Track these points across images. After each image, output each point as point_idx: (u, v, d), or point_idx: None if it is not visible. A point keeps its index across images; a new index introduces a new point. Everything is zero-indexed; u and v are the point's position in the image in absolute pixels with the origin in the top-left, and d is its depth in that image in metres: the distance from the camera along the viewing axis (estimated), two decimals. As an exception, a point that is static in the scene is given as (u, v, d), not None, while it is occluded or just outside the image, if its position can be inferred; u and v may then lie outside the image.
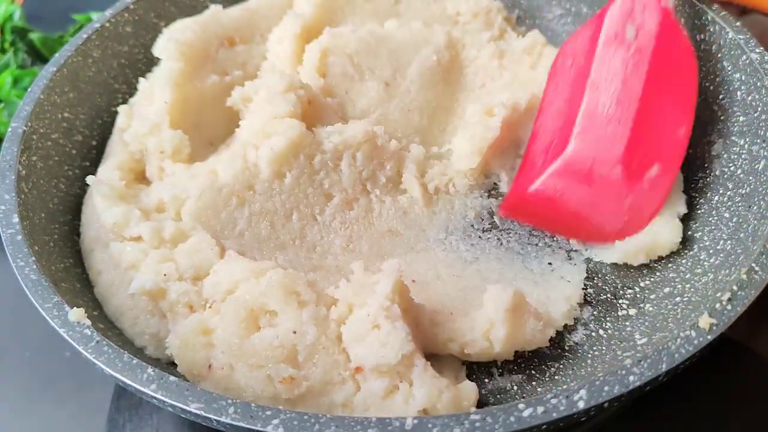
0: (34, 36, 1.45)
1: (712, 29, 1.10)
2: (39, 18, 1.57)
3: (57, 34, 1.48)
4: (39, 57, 1.46)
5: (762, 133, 0.98)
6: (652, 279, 0.99)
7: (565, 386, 0.85)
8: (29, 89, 1.06)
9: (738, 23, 1.07)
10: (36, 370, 1.05)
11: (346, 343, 0.82)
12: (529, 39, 1.27)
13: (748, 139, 1.01)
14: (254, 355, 0.81)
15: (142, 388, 0.72)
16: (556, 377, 0.88)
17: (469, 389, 0.83)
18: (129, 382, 0.73)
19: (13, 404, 1.02)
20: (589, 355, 0.91)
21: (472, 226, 1.09)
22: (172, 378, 0.72)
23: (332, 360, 0.81)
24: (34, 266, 0.84)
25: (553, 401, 0.68)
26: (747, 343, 1.02)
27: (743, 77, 1.04)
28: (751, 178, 0.97)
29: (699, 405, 0.96)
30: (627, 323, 0.94)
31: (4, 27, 1.47)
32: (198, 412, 0.69)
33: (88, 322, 0.79)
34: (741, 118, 1.03)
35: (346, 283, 0.87)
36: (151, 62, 1.25)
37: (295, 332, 0.81)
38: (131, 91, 1.22)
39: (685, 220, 1.04)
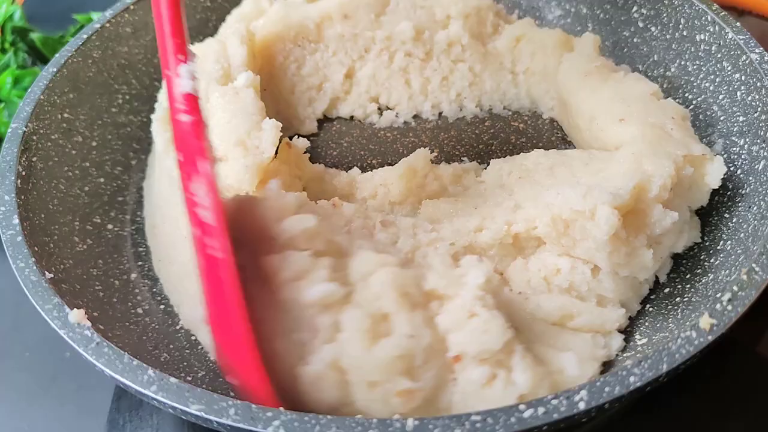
0: (35, 36, 1.45)
1: (712, 29, 1.10)
2: (39, 18, 1.57)
3: (58, 34, 1.48)
4: (39, 57, 1.46)
5: (762, 133, 0.98)
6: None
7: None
8: (29, 90, 1.06)
9: (738, 23, 1.07)
10: (36, 371, 1.05)
11: (443, 333, 0.79)
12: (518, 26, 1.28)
13: (748, 140, 1.01)
14: (375, 370, 0.75)
15: (142, 390, 0.72)
16: (556, 378, 0.88)
17: (572, 377, 0.81)
18: (129, 383, 0.73)
19: (13, 405, 1.02)
20: (590, 356, 0.91)
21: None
22: (172, 379, 0.72)
23: (442, 361, 0.78)
24: (34, 267, 0.84)
25: (554, 402, 0.68)
26: (747, 343, 1.02)
27: (743, 77, 1.04)
28: (750, 178, 0.97)
29: (699, 405, 0.96)
30: (627, 323, 0.94)
31: (5, 27, 1.46)
32: (199, 413, 0.69)
33: (89, 324, 0.79)
34: (741, 119, 1.03)
35: (434, 275, 0.84)
36: (151, 63, 1.25)
37: (412, 336, 0.76)
38: (131, 91, 1.22)
39: (685, 220, 1.04)
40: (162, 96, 1.18)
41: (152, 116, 1.11)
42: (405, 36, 1.24)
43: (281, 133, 1.04)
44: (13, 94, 1.34)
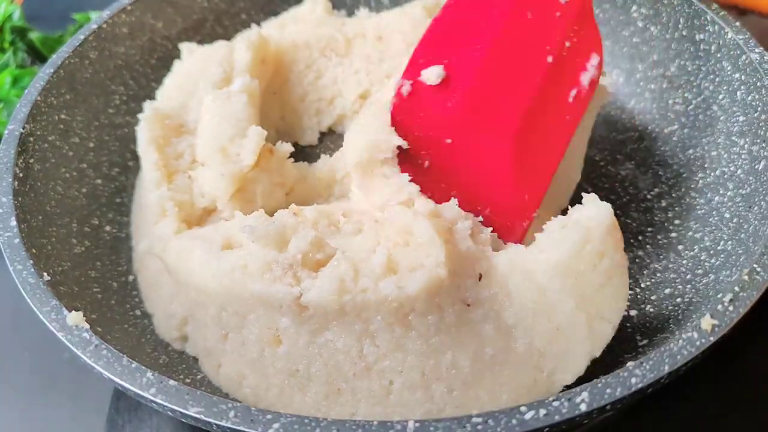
0: (34, 35, 1.45)
1: (711, 29, 1.10)
2: (39, 17, 1.57)
3: (57, 34, 1.48)
4: (38, 56, 1.46)
5: (762, 133, 0.98)
6: (653, 280, 0.99)
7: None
8: (26, 91, 1.05)
9: (737, 23, 1.07)
10: (35, 371, 1.05)
11: None
12: None
13: (748, 139, 1.00)
14: None
15: (141, 392, 0.72)
16: (557, 379, 0.88)
17: None
18: (128, 386, 0.72)
19: (12, 405, 1.01)
20: (590, 357, 0.91)
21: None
22: (171, 382, 0.72)
23: None
24: (32, 269, 0.84)
25: (555, 404, 0.68)
26: (747, 344, 1.01)
27: (743, 77, 1.04)
28: (751, 178, 0.97)
29: (699, 405, 0.95)
30: (627, 324, 0.93)
31: (4, 26, 1.46)
32: (198, 416, 0.69)
33: (87, 326, 0.78)
34: (741, 118, 1.03)
35: None
36: (148, 63, 1.25)
37: None
38: (128, 92, 1.21)
39: (686, 220, 1.04)
40: (159, 93, 1.17)
41: (139, 115, 1.10)
42: None
43: (277, 140, 1.04)
44: (12, 93, 1.33)
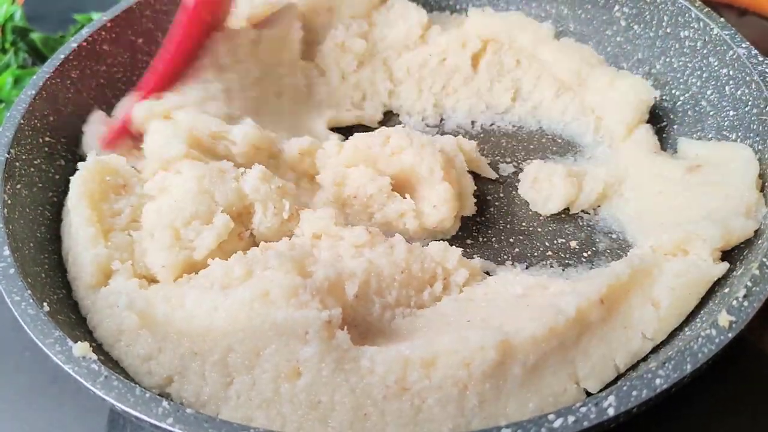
0: (35, 36, 1.44)
1: (696, 26, 1.11)
2: (40, 18, 1.57)
3: (58, 34, 1.47)
4: (40, 57, 1.44)
5: (754, 127, 0.99)
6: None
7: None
8: (8, 114, 1.02)
9: (722, 19, 1.08)
10: (36, 371, 1.04)
11: None
12: None
13: (740, 134, 1.02)
14: None
15: (158, 423, 0.69)
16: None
17: None
18: (144, 417, 0.70)
19: (13, 404, 1.01)
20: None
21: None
22: (188, 410, 0.69)
23: None
24: (31, 300, 0.81)
25: (583, 410, 0.68)
26: (754, 342, 1.02)
27: (731, 72, 1.05)
28: (747, 173, 0.98)
29: (701, 405, 0.96)
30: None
31: (5, 27, 1.45)
32: (220, 444, 0.67)
33: (94, 357, 0.76)
34: (731, 113, 1.04)
35: None
36: (130, 81, 1.22)
37: None
38: (110, 111, 1.18)
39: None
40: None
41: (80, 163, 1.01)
42: None
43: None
44: (14, 94, 1.32)
